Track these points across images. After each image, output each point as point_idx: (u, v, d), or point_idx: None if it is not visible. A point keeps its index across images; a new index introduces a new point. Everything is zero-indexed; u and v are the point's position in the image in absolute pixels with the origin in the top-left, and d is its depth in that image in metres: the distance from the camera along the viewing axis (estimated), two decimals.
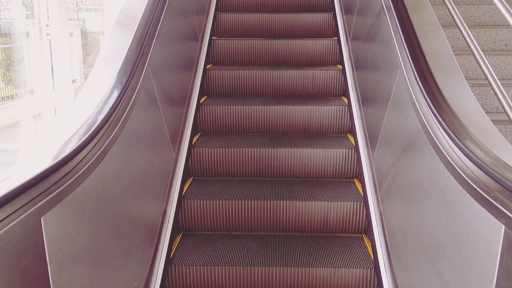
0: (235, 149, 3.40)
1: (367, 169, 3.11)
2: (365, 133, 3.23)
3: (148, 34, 2.44)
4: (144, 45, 2.35)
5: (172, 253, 2.82)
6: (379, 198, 2.73)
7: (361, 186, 3.21)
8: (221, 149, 3.40)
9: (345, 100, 3.82)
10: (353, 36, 3.93)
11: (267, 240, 3.00)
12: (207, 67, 4.14)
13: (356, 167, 3.39)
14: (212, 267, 2.71)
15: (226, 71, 4.04)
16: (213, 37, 4.44)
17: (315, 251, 2.84)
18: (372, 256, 2.74)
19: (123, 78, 2.03)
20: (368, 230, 3.05)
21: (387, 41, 2.71)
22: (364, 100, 3.33)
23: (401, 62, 2.37)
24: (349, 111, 3.66)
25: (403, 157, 2.31)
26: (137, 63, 2.19)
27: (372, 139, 3.03)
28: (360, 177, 3.31)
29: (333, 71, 3.99)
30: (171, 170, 2.99)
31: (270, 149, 3.39)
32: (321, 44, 4.31)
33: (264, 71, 4.01)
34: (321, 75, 3.99)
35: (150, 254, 2.45)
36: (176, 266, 2.72)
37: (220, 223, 3.11)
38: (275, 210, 3.07)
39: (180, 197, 3.08)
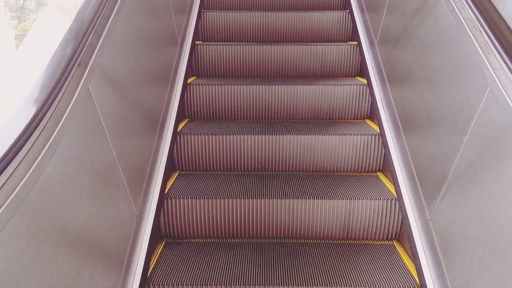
0: (231, 137, 2.73)
1: (399, 159, 2.47)
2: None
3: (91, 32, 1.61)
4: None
5: (150, 269, 2.14)
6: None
7: (391, 181, 2.56)
8: (213, 136, 2.73)
9: (362, 80, 3.17)
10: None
11: (272, 249, 2.33)
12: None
13: (381, 158, 2.74)
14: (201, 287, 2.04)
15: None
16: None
17: (332, 264, 2.18)
18: (418, 279, 2.08)
19: None
20: (400, 237, 2.39)
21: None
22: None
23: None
24: (370, 92, 3.01)
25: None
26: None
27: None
28: (386, 170, 2.66)
29: (347, 46, 3.34)
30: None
31: (273, 136, 2.73)
32: (330, 17, 3.67)
33: (264, 46, 3.35)
34: (332, 52, 3.34)
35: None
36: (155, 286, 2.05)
37: (212, 227, 2.44)
38: (281, 211, 2.41)
39: (162, 196, 2.40)
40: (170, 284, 2.04)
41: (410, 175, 2.28)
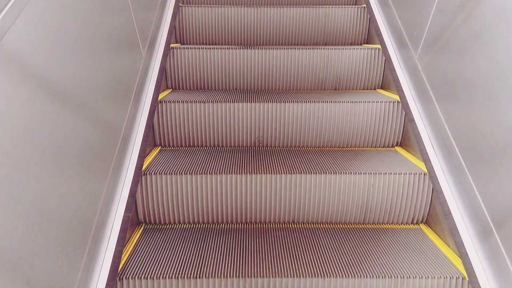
0: (222, 105, 2.28)
1: (428, 130, 2.05)
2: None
3: None
4: None
5: (124, 260, 1.68)
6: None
7: (417, 156, 2.14)
8: (200, 104, 2.28)
9: (373, 46, 2.76)
10: None
11: (274, 236, 1.89)
12: (172, 45, 2.64)
13: (400, 130, 2.32)
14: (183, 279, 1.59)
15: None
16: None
17: (350, 251, 1.75)
18: (464, 269, 1.66)
19: None
20: (429, 220, 1.97)
21: None
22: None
23: None
24: (385, 57, 2.59)
25: None
26: None
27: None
28: (408, 144, 2.24)
29: (354, 8, 2.92)
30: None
31: (272, 105, 2.29)
32: None
33: (259, 9, 2.91)
34: (337, 15, 2.92)
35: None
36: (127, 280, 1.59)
37: (201, 210, 1.99)
38: (284, 188, 1.97)
39: (138, 173, 1.94)
40: (147, 277, 1.59)
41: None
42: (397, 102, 2.28)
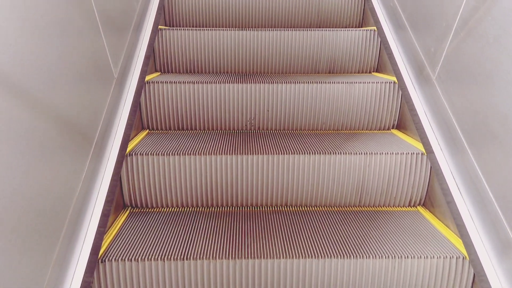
0: (212, 86, 2.19)
1: (426, 111, 1.97)
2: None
3: None
4: None
5: (106, 244, 1.59)
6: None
7: (415, 138, 2.07)
8: (190, 85, 2.19)
9: (370, 27, 2.68)
10: None
11: (266, 219, 1.81)
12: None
13: (396, 112, 2.24)
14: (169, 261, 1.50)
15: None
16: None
17: (347, 233, 1.67)
18: (464, 249, 1.58)
19: None
20: (427, 202, 1.90)
21: None
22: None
23: None
24: (380, 39, 2.51)
25: None
26: None
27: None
28: (405, 126, 2.17)
29: None
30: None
31: (264, 85, 2.20)
32: None
33: None
34: None
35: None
36: (110, 262, 1.50)
37: (190, 192, 1.90)
38: (277, 170, 1.88)
39: (123, 154, 1.85)
40: (130, 259, 1.50)
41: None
42: (394, 82, 2.20)
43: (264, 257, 1.51)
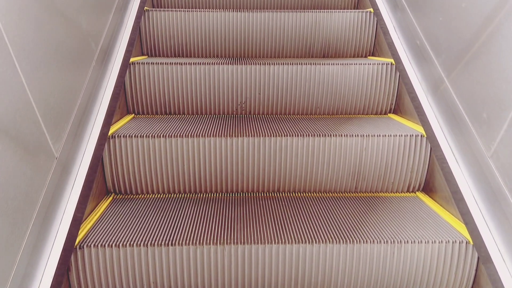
0: (201, 67, 2.09)
1: (427, 93, 1.88)
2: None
3: None
4: None
5: (86, 230, 1.48)
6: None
7: (414, 121, 1.98)
8: (177, 66, 2.08)
9: (366, 9, 2.58)
10: None
11: (257, 205, 1.71)
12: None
13: (394, 95, 2.15)
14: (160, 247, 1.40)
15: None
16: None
17: (344, 218, 1.57)
18: (468, 233, 1.49)
19: None
20: (426, 187, 1.81)
21: None
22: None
23: None
24: (376, 21, 2.42)
25: None
26: None
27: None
28: (402, 110, 2.07)
29: None
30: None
31: (255, 67, 2.10)
32: None
33: None
34: None
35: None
36: (87, 248, 1.39)
37: (177, 177, 1.80)
38: (269, 153, 1.78)
39: (104, 137, 1.74)
40: (111, 245, 1.39)
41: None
42: (391, 64, 2.11)
43: (254, 243, 1.40)
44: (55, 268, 1.26)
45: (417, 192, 1.83)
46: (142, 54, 2.44)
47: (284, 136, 1.76)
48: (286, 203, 1.72)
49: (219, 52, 2.44)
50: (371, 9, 2.45)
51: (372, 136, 1.77)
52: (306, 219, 1.57)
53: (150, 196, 1.79)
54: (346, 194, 1.82)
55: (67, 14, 1.50)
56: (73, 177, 1.51)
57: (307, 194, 1.81)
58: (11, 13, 1.10)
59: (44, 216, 1.26)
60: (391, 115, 2.14)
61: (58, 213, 1.38)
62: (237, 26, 2.41)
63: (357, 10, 2.43)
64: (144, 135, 1.74)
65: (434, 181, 1.74)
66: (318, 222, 1.55)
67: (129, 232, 1.47)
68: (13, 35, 1.09)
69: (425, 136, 1.77)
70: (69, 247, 1.35)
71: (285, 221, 1.55)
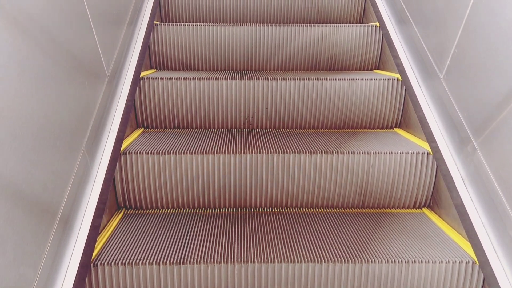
0: (210, 83, 2.12)
1: (431, 108, 1.91)
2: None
3: None
4: None
5: (99, 247, 1.51)
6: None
7: (419, 136, 2.00)
8: (186, 81, 2.11)
9: (372, 23, 2.61)
10: None
11: (265, 221, 1.74)
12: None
13: (399, 110, 2.17)
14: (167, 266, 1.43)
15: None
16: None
17: (351, 235, 1.60)
18: (473, 253, 1.52)
19: None
20: (433, 203, 1.83)
21: None
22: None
23: None
24: (382, 35, 2.45)
25: None
26: None
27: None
28: (408, 125, 2.10)
29: None
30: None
31: (263, 82, 2.13)
32: None
33: None
34: None
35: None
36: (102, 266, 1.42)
37: (186, 193, 1.83)
38: (277, 169, 1.81)
39: (117, 153, 1.78)
40: (124, 263, 1.42)
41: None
42: (397, 79, 2.13)
43: (264, 262, 1.43)
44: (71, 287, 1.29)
45: (423, 208, 1.86)
46: (151, 68, 2.47)
47: (292, 153, 1.79)
48: (294, 219, 1.75)
49: (227, 65, 2.48)
50: (377, 23, 2.48)
51: (379, 153, 1.80)
52: (315, 237, 1.60)
53: (160, 211, 1.82)
54: (353, 210, 1.85)
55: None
56: (88, 194, 1.54)
57: (314, 210, 1.84)
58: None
59: (62, 231, 1.29)
60: (397, 130, 2.17)
61: (74, 230, 1.41)
62: (244, 40, 2.44)
63: (363, 25, 2.46)
64: (155, 151, 1.77)
65: (440, 197, 1.77)
66: (327, 239, 1.58)
67: (141, 249, 1.50)
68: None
69: (431, 153, 1.80)
70: (86, 264, 1.38)
71: (294, 239, 1.58)
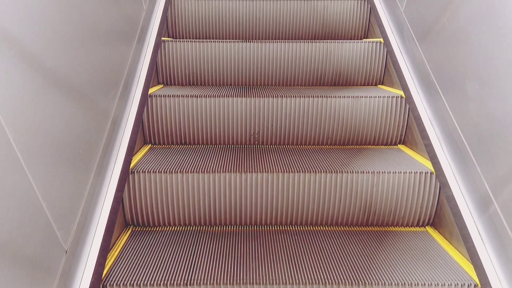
0: (216, 100, 2.16)
1: (434, 126, 1.93)
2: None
3: None
4: None
5: (109, 266, 1.55)
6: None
7: (421, 154, 2.03)
8: (193, 99, 2.15)
9: (376, 39, 2.64)
10: None
11: (271, 239, 1.77)
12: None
13: (403, 127, 2.20)
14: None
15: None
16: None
17: (354, 255, 1.63)
18: (476, 276, 1.54)
19: None
20: (436, 221, 1.86)
21: None
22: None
23: None
24: (386, 51, 2.48)
25: None
26: None
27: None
28: (412, 142, 2.13)
29: (354, 0, 2.81)
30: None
31: (268, 99, 2.17)
32: None
33: (252, 2, 2.79)
34: (336, 8, 2.80)
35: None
36: None
37: (193, 211, 1.86)
38: (282, 188, 1.84)
39: (126, 171, 1.81)
40: (133, 284, 1.46)
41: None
42: (401, 97, 2.16)
43: (269, 283, 1.46)
44: None
45: (427, 227, 1.88)
46: (158, 83, 2.51)
47: (297, 172, 1.82)
48: (299, 237, 1.78)
49: (233, 80, 2.51)
50: (381, 39, 2.50)
51: (382, 173, 1.83)
52: (319, 257, 1.62)
53: (167, 228, 1.86)
54: (357, 228, 1.88)
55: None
56: (98, 213, 1.57)
57: (319, 228, 1.87)
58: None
59: (75, 249, 1.33)
60: (401, 146, 2.19)
61: (84, 250, 1.44)
62: (250, 56, 2.47)
63: (367, 41, 2.49)
64: (162, 170, 1.81)
65: (442, 216, 1.79)
66: (330, 260, 1.60)
67: (148, 270, 1.53)
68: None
69: (434, 173, 1.82)
70: (96, 285, 1.42)
71: (298, 258, 1.61)
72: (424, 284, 1.46)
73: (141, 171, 1.81)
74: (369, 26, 2.79)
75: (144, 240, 1.75)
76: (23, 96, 1.06)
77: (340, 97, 2.16)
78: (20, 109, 1.04)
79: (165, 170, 1.81)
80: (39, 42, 1.16)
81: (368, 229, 1.87)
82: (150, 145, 2.19)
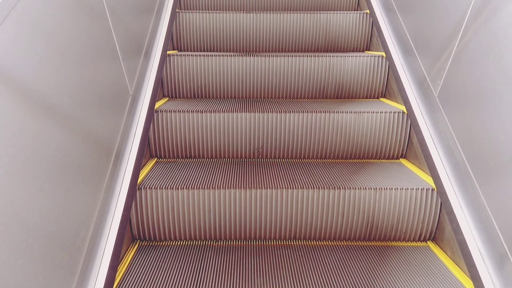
0: (220, 115, 2.20)
1: (435, 142, 1.97)
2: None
3: None
4: None
5: (117, 282, 1.59)
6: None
7: (422, 168, 2.06)
8: (198, 114, 2.19)
9: (375, 52, 2.67)
10: None
11: (275, 254, 1.80)
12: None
13: (405, 141, 2.23)
14: None
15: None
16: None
17: (358, 271, 1.67)
18: None
19: None
20: (437, 237, 1.89)
21: None
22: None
23: None
24: (388, 65, 2.51)
25: None
26: None
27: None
28: (413, 156, 2.16)
29: (356, 14, 2.84)
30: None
31: (271, 115, 2.21)
32: None
33: (257, 15, 2.83)
34: (339, 21, 2.84)
35: None
36: None
37: (199, 226, 1.90)
38: (286, 204, 1.88)
39: (133, 187, 1.85)
40: None
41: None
42: (403, 112, 2.20)
43: None
44: None
45: (428, 242, 1.92)
46: (163, 96, 2.56)
47: (301, 188, 1.86)
48: (302, 252, 1.82)
49: (237, 93, 2.55)
50: (383, 53, 2.54)
51: (384, 189, 1.86)
52: (322, 273, 1.66)
53: (174, 243, 1.89)
54: (360, 243, 1.91)
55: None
56: (107, 228, 1.61)
57: (322, 242, 1.91)
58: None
59: (86, 265, 1.37)
60: (403, 161, 2.23)
61: (95, 266, 1.48)
62: (254, 70, 2.51)
63: (369, 55, 2.53)
64: (169, 186, 1.85)
65: (443, 232, 1.83)
66: (334, 276, 1.64)
67: (156, 286, 1.57)
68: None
69: (435, 189, 1.86)
70: None
71: (302, 274, 1.65)
72: None
73: (148, 187, 1.85)
74: (371, 39, 2.83)
75: (151, 255, 1.79)
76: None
77: (343, 112, 2.20)
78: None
79: (172, 186, 1.85)
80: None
81: (371, 243, 1.90)
82: (156, 158, 2.23)
